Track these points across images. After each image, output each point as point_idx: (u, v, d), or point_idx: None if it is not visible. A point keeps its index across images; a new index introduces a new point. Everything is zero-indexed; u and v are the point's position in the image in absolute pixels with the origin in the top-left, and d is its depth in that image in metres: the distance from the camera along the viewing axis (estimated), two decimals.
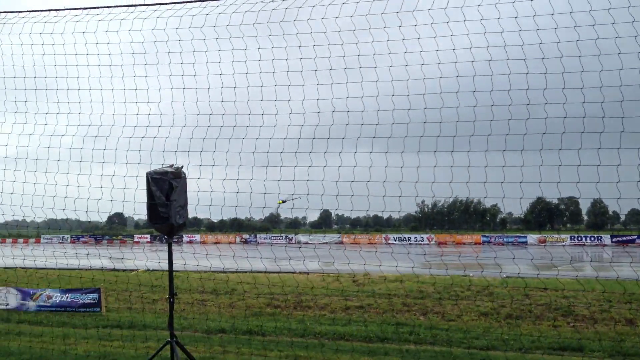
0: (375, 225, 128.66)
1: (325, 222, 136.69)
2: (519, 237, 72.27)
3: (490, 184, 7.41)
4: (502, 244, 65.77)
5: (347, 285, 20.48)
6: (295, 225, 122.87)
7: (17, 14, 9.75)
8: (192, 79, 9.12)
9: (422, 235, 75.15)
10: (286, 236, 79.38)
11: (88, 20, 9.33)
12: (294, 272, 21.61)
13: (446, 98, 7.87)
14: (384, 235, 76.73)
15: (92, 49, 9.51)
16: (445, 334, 13.94)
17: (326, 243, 66.84)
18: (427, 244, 69.59)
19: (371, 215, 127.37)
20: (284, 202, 10.81)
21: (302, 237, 76.53)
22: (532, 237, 69.35)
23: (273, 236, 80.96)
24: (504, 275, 21.39)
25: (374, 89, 8.28)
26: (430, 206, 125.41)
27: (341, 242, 71.43)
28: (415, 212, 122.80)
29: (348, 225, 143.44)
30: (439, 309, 17.50)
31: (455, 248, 56.21)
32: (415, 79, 8.02)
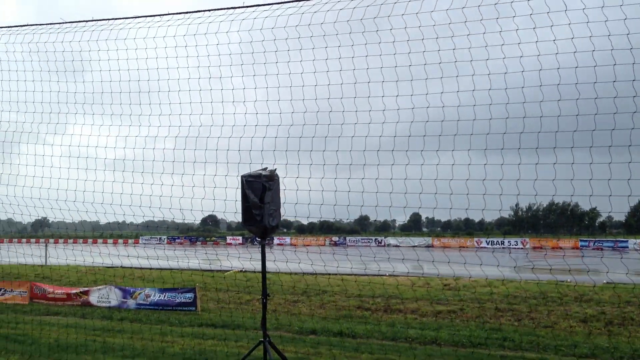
0: (467, 228, 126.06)
1: (415, 225, 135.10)
2: (620, 241, 68.73)
3: (594, 181, 7.05)
4: (601, 249, 62.77)
5: (437, 289, 20.15)
6: (384, 228, 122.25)
7: (123, 20, 10.16)
8: (287, 78, 9.20)
9: (516, 240, 72.85)
10: (375, 239, 79.05)
11: (189, 24, 9.61)
12: (384, 275, 21.46)
13: (546, 91, 7.55)
14: (475, 239, 74.94)
15: (192, 52, 9.78)
16: (541, 340, 13.45)
17: (416, 246, 65.93)
18: (522, 248, 67.46)
19: (462, 219, 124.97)
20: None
21: (391, 240, 75.99)
22: (634, 242, 65.87)
23: (362, 239, 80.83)
24: (604, 281, 20.45)
25: (470, 83, 8.06)
26: (524, 209, 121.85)
27: (431, 246, 70.34)
28: (509, 216, 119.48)
29: (438, 229, 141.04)
30: (534, 314, 16.91)
31: (552, 252, 54.28)
32: (514, 72, 7.74)
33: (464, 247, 68.63)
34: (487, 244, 69.15)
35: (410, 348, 12.58)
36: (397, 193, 8.17)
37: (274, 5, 9.01)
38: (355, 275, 19.68)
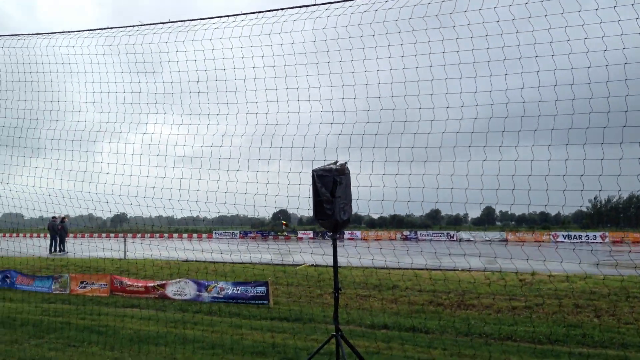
0: (542, 222, 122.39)
1: (487, 219, 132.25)
2: None
3: None
4: None
5: (512, 284, 19.67)
6: (456, 222, 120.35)
7: (199, 21, 10.40)
8: (363, 75, 9.20)
9: (594, 233, 70.16)
10: (447, 233, 77.91)
11: (263, 24, 9.78)
12: (457, 270, 21.13)
13: (631, 85, 7.22)
14: (552, 233, 72.65)
15: (266, 51, 9.94)
16: (621, 337, 12.97)
17: (490, 240, 64.39)
18: (601, 242, 65.06)
19: (537, 212, 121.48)
20: (286, 225, 10.68)
21: (463, 234, 74.67)
22: None
23: (434, 233, 79.79)
24: None
25: (552, 78, 7.84)
26: (603, 202, 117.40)
27: (506, 240, 68.61)
28: (587, 209, 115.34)
29: (512, 223, 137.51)
30: (614, 311, 16.28)
31: (633, 246, 52.10)
32: (597, 66, 7.49)
33: (539, 241, 66.72)
34: (564, 238, 67.11)
35: (485, 344, 12.36)
36: (472, 189, 8.05)
37: (346, 2, 9.01)
38: (429, 269, 19.49)
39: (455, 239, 72.01)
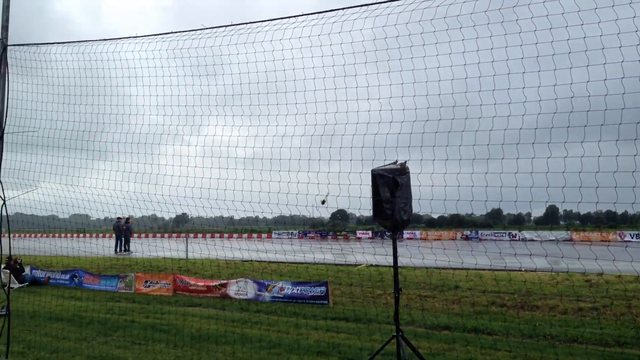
0: (608, 221, 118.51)
1: (551, 219, 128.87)
2: None
3: None
4: None
5: (578, 285, 19.15)
6: (518, 222, 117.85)
7: (260, 23, 10.51)
8: (423, 72, 9.11)
9: None
10: (509, 233, 76.42)
11: (323, 24, 9.79)
12: (520, 270, 20.70)
13: None
14: (618, 232, 70.30)
15: (326, 51, 9.94)
16: None
17: (556, 240, 62.77)
18: None
19: (603, 211, 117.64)
20: (323, 202, 10.47)
21: (526, 234, 73.07)
22: None
23: (495, 232, 78.36)
24: None
25: (619, 71, 7.58)
26: None
27: (570, 240, 66.81)
28: None
29: (577, 222, 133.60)
30: None
31: None
32: None
33: (606, 240, 64.66)
34: (632, 237, 64.90)
35: (551, 346, 12.07)
36: (537, 187, 7.86)
37: None
38: (492, 270, 19.15)
39: (517, 238, 70.57)
